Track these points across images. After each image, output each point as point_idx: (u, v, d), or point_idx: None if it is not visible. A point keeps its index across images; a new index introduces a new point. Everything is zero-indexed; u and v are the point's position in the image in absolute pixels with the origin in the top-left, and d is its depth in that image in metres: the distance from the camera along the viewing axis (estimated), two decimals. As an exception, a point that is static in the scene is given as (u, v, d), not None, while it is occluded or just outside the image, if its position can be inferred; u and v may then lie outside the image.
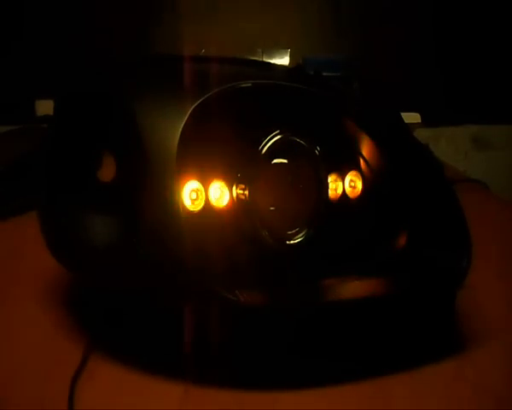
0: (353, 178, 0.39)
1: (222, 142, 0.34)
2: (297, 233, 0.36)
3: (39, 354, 0.35)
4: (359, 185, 0.40)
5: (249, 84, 0.35)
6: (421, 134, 0.80)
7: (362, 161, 0.40)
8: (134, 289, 0.33)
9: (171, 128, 0.31)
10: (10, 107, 1.28)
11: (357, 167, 0.40)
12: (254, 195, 0.35)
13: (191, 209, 0.33)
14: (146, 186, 0.32)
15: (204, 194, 0.33)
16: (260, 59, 1.06)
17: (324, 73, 0.88)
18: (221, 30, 1.30)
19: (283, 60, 1.10)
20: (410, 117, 1.00)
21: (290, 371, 0.32)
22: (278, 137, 0.36)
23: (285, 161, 0.36)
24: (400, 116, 0.42)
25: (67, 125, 0.38)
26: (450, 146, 1.33)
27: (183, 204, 0.32)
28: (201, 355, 0.32)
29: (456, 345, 0.35)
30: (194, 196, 0.33)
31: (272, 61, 1.07)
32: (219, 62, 0.40)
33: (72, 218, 0.36)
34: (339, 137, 0.39)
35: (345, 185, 0.39)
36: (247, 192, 0.34)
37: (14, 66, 1.30)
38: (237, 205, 0.34)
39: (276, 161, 0.36)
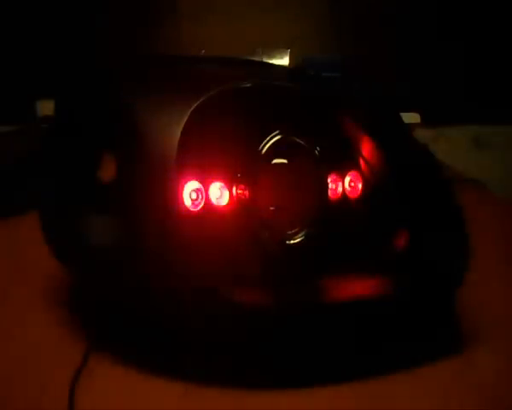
0: (353, 178, 0.39)
1: (222, 142, 0.34)
2: (297, 233, 0.36)
3: (39, 354, 0.35)
4: (359, 185, 0.40)
5: (249, 85, 0.35)
6: (421, 134, 0.80)
7: (362, 161, 0.40)
8: (134, 289, 0.33)
9: (171, 128, 0.31)
10: (11, 107, 1.28)
11: (357, 167, 0.40)
12: (254, 195, 0.35)
13: (191, 209, 0.33)
14: (146, 186, 0.32)
15: (204, 194, 0.33)
16: (260, 59, 1.06)
17: (324, 74, 0.88)
18: (221, 30, 1.30)
19: (283, 60, 1.10)
20: (410, 117, 1.00)
21: (290, 371, 0.32)
22: (278, 137, 0.36)
23: (285, 161, 0.36)
24: (400, 116, 0.42)
25: (68, 126, 0.38)
26: (450, 146, 1.32)
27: (183, 204, 0.32)
28: (202, 355, 0.32)
29: (456, 345, 0.35)
30: (194, 196, 0.33)
31: (272, 61, 1.07)
32: (219, 62, 0.40)
33: (73, 218, 0.36)
34: (339, 137, 0.39)
35: (345, 185, 0.39)
36: (247, 192, 0.35)
37: (15, 66, 1.30)
38: (237, 205, 0.34)
39: (276, 161, 0.36)
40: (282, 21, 1.32)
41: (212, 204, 0.34)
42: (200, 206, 0.33)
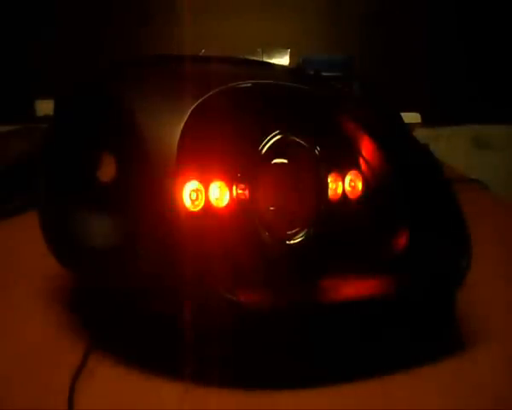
0: (353, 178, 0.39)
1: (222, 142, 0.34)
2: (297, 233, 0.36)
3: (39, 354, 0.35)
4: (359, 185, 0.40)
5: (249, 85, 0.35)
6: (421, 134, 0.81)
7: (362, 160, 0.40)
8: (134, 290, 0.33)
9: (171, 128, 0.31)
10: (10, 107, 1.28)
11: (357, 167, 0.40)
12: (254, 195, 0.35)
13: (191, 209, 0.33)
14: (146, 186, 0.32)
15: (204, 194, 0.33)
16: (260, 59, 1.06)
17: (324, 73, 0.88)
18: (221, 30, 1.30)
19: (283, 60, 1.10)
20: (410, 117, 1.00)
21: (290, 371, 0.32)
22: (278, 137, 0.36)
23: (285, 161, 0.36)
24: (400, 116, 0.42)
25: (67, 126, 0.38)
26: (450, 146, 1.33)
27: (183, 204, 0.32)
28: (202, 355, 0.32)
29: (456, 345, 0.35)
30: (194, 196, 0.33)
31: (272, 60, 1.07)
32: (219, 62, 0.40)
33: (73, 218, 0.36)
34: (339, 137, 0.39)
35: (345, 185, 0.39)
36: (247, 192, 0.34)
37: (15, 66, 1.30)
38: (237, 205, 0.34)
39: (276, 161, 0.36)
40: (282, 21, 1.32)
41: (212, 204, 0.34)
42: (200, 206, 0.33)
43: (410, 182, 0.39)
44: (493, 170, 1.28)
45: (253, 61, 0.45)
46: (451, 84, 1.32)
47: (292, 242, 0.36)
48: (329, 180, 0.38)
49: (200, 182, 0.33)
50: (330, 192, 0.38)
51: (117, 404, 0.30)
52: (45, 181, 0.39)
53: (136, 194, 0.32)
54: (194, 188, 0.33)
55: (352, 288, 0.36)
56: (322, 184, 0.38)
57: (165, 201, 0.31)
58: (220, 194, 0.34)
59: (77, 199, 0.37)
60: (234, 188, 0.34)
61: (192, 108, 0.31)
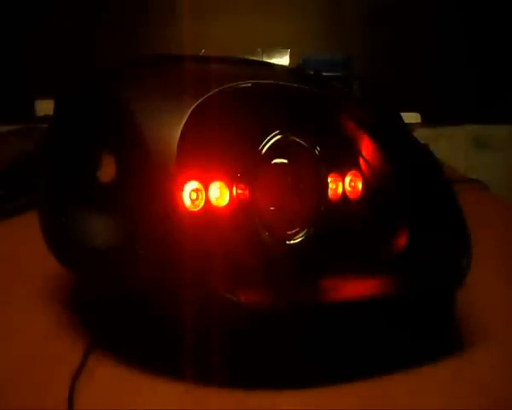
0: (353, 178, 0.39)
1: (222, 142, 0.34)
2: (297, 233, 0.36)
3: (39, 354, 0.35)
4: (359, 185, 0.40)
5: (249, 85, 0.35)
6: (421, 134, 0.81)
7: (362, 160, 0.40)
8: (134, 290, 0.33)
9: (171, 128, 0.31)
10: (10, 107, 1.29)
11: (357, 167, 0.40)
12: (254, 195, 0.35)
13: (191, 209, 0.33)
14: (146, 186, 0.32)
15: (204, 194, 0.33)
16: (260, 59, 1.06)
17: (324, 73, 0.88)
18: (221, 30, 1.30)
19: (283, 60, 1.11)
20: (410, 117, 1.00)
21: (290, 371, 0.32)
22: (278, 137, 0.36)
23: (285, 161, 0.36)
24: (400, 116, 0.42)
25: (67, 126, 0.38)
26: (451, 146, 1.33)
27: (183, 204, 0.32)
28: (202, 355, 0.32)
29: (455, 345, 0.35)
30: (194, 196, 0.33)
31: (272, 60, 1.07)
32: (219, 62, 0.40)
33: (73, 218, 0.36)
34: (339, 137, 0.39)
35: (345, 185, 0.39)
36: (247, 192, 0.34)
37: (15, 66, 1.30)
38: (237, 205, 0.34)
39: (276, 161, 0.36)
40: (282, 21, 1.32)
41: (212, 204, 0.34)
42: (200, 206, 0.33)
43: (410, 182, 0.39)
44: (493, 170, 1.28)
45: (253, 61, 0.45)
46: (451, 84, 1.32)
47: (292, 242, 0.36)
48: (329, 180, 0.38)
49: (200, 182, 0.33)
50: (330, 192, 0.38)
51: (117, 404, 0.30)
52: (45, 181, 0.39)
53: (136, 194, 0.32)
54: (194, 188, 0.33)
55: (352, 288, 0.36)
56: (322, 184, 0.38)
57: (165, 201, 0.31)
58: (220, 194, 0.34)
59: (77, 199, 0.37)
60: (234, 188, 0.35)
61: (192, 108, 0.31)
